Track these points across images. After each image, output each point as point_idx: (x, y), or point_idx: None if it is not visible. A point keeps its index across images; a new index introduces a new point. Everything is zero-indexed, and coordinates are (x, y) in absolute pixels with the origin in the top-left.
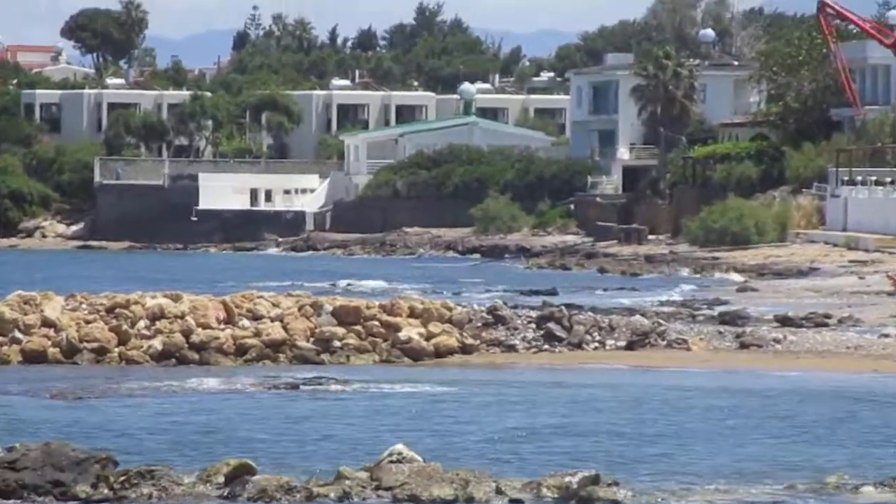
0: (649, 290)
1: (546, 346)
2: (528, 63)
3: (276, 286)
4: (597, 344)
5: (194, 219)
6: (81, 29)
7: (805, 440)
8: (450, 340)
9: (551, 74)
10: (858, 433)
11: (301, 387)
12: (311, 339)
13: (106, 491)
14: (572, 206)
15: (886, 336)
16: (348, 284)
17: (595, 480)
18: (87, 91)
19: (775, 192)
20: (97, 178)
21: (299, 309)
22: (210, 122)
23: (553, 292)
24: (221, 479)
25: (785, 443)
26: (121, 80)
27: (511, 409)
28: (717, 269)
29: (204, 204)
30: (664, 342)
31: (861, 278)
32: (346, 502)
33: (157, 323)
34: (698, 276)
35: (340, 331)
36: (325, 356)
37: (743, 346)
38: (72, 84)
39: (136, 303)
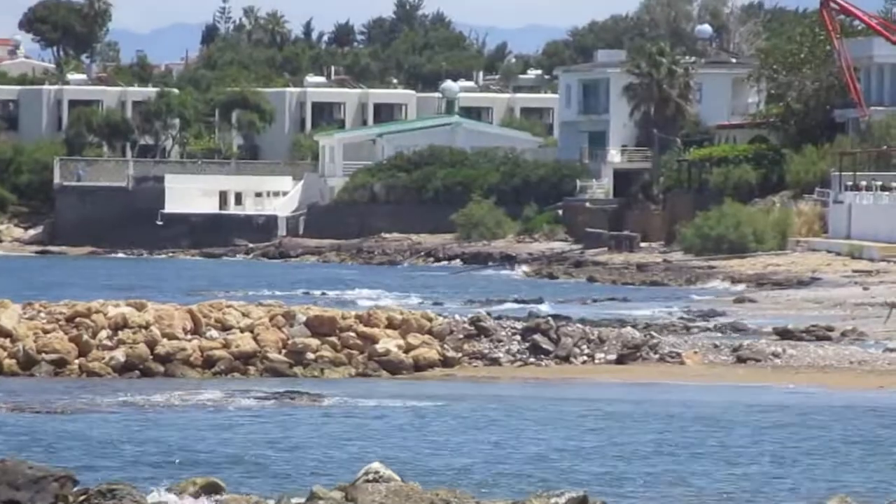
0: (644, 301)
1: (532, 360)
2: (514, 60)
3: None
4: (585, 357)
5: (160, 223)
6: (41, 21)
7: (805, 460)
8: (430, 353)
9: (538, 72)
10: (867, 453)
11: (272, 401)
12: (283, 351)
13: None
14: (560, 212)
15: (892, 350)
16: (322, 293)
17: (583, 501)
18: (46, 87)
19: (775, 197)
20: (57, 180)
21: (271, 319)
22: (177, 121)
23: (539, 301)
24: (188, 499)
25: (785, 463)
26: (82, 76)
27: (496, 426)
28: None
29: (170, 207)
30: (657, 356)
31: (865, 289)
32: None
33: (120, 333)
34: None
35: (314, 342)
36: (297, 369)
37: (740, 360)
38: (30, 79)
39: (98, 312)
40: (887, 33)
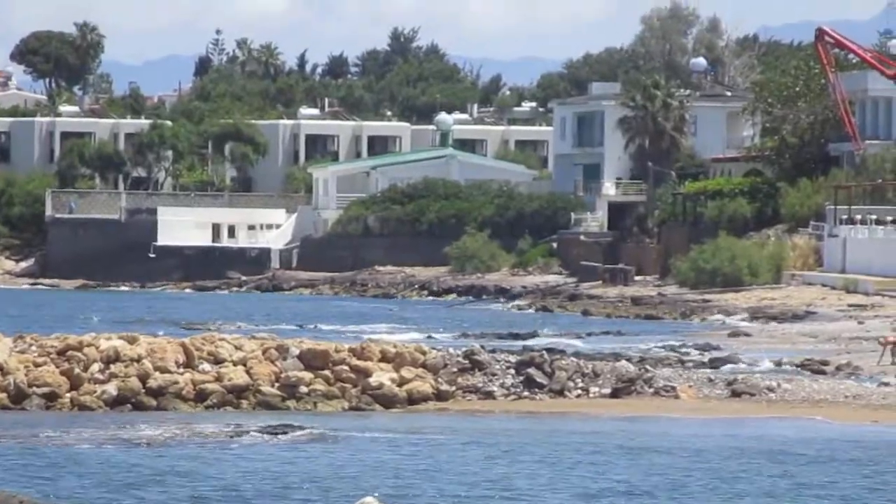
0: (639, 335)
1: (526, 393)
2: (508, 92)
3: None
4: (580, 391)
5: (152, 255)
6: (33, 53)
7: (800, 494)
8: (424, 386)
9: (533, 104)
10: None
11: (265, 435)
12: (276, 385)
13: None
14: (554, 245)
15: (886, 385)
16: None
17: None
18: (38, 119)
19: (770, 230)
20: (49, 212)
21: (263, 352)
22: (170, 153)
23: (534, 335)
24: None
25: (785, 498)
26: (75, 108)
27: (491, 460)
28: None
29: (163, 240)
30: (651, 389)
31: (860, 323)
32: None
33: (112, 366)
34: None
35: (307, 375)
36: (290, 402)
37: (735, 394)
38: (22, 111)
39: (90, 345)
40: (882, 67)
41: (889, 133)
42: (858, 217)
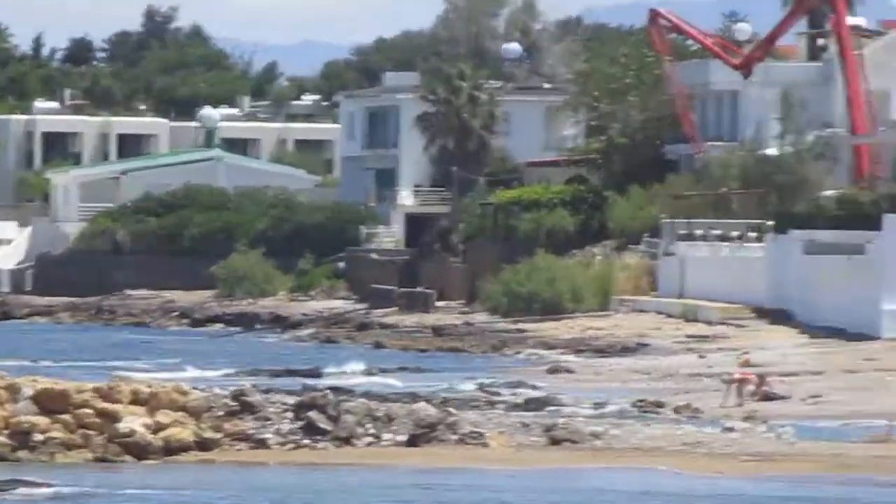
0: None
1: (306, 441)
2: (286, 83)
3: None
4: (371, 438)
5: None
6: None
7: None
8: (184, 433)
9: (316, 97)
10: None
11: None
12: (5, 432)
13: None
14: (341, 265)
15: (731, 430)
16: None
17: None
18: None
19: (596, 248)
20: None
21: None
22: None
23: (315, 373)
24: None
25: None
26: None
27: None
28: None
29: None
30: (455, 436)
31: (702, 357)
32: None
33: None
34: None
35: (43, 421)
36: (22, 453)
37: (554, 441)
38: None
39: None
40: (726, 55)
41: (734, 133)
42: (699, 232)
